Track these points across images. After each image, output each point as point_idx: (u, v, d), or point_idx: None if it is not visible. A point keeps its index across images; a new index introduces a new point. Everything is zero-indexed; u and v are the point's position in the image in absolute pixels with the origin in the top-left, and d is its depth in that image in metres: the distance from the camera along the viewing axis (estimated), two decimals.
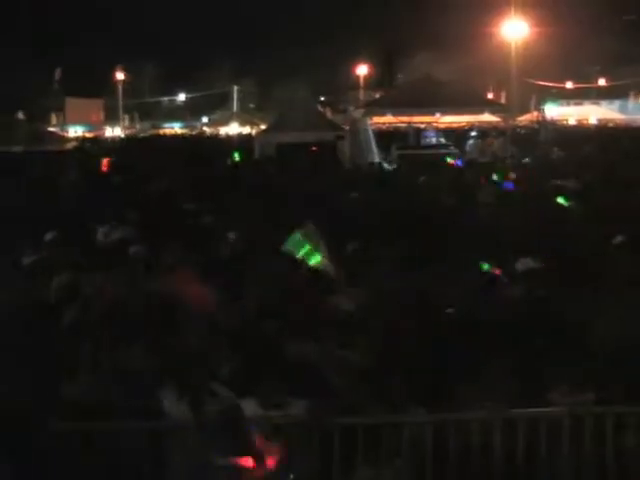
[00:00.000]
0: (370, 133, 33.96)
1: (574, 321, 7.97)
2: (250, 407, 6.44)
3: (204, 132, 75.16)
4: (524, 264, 10.34)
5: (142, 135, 69.51)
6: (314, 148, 29.79)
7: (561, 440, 6.86)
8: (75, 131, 73.47)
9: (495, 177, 21.09)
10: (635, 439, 6.77)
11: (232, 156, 30.57)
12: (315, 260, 9.96)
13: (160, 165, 24.68)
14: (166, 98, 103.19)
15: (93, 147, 43.73)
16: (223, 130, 73.36)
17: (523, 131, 46.71)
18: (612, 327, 7.69)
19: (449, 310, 8.64)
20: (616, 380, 7.16)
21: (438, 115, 38.37)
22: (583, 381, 7.08)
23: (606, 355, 7.35)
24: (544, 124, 44.80)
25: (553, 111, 54.26)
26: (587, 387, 7.04)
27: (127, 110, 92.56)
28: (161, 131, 79.17)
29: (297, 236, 10.38)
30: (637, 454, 6.84)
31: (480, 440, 6.85)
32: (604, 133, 48.09)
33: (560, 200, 15.90)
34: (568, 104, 78.82)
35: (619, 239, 11.91)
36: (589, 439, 6.81)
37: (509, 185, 19.59)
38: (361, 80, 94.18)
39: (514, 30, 66.43)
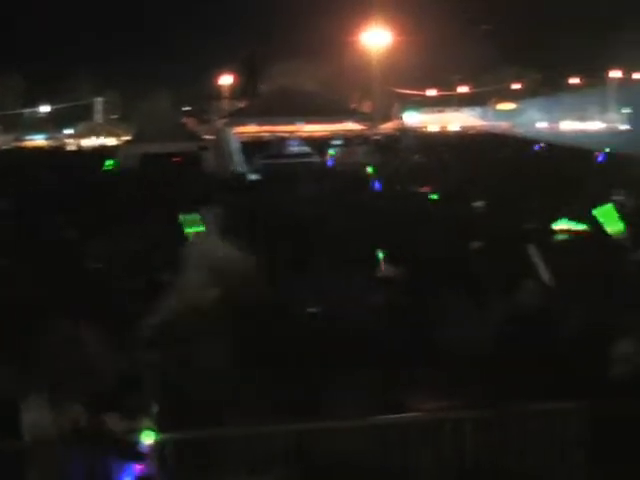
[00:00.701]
0: (234, 143, 33.85)
1: (433, 326, 8.00)
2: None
3: (66, 144, 73.83)
4: (387, 270, 10.36)
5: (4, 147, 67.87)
6: (177, 159, 29.56)
7: (424, 446, 6.84)
8: None
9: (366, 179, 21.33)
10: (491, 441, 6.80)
11: (104, 165, 30.07)
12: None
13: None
14: (29, 110, 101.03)
15: None
16: (87, 141, 72.27)
17: (386, 138, 47.44)
18: (470, 331, 7.76)
19: (311, 310, 8.54)
20: (474, 384, 7.18)
21: (301, 124, 38.56)
22: (444, 386, 7.09)
23: (463, 360, 7.38)
24: (404, 131, 45.84)
25: (414, 118, 55.31)
26: (448, 392, 7.04)
27: None
28: (24, 143, 77.47)
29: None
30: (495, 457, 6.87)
31: (347, 449, 6.78)
32: (465, 139, 49.19)
33: (422, 205, 16.09)
34: (433, 111, 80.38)
35: (477, 244, 12.06)
36: (448, 444, 6.80)
37: (378, 185, 19.85)
38: (225, 90, 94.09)
39: (376, 39, 67.40)
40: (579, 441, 6.85)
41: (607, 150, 27.19)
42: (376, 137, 45.73)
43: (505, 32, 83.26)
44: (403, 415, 6.92)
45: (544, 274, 9.74)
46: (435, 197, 16.76)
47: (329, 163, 28.45)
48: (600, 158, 26.29)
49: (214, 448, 6.60)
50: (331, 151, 36.92)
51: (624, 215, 11.53)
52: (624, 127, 59.01)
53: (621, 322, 8.26)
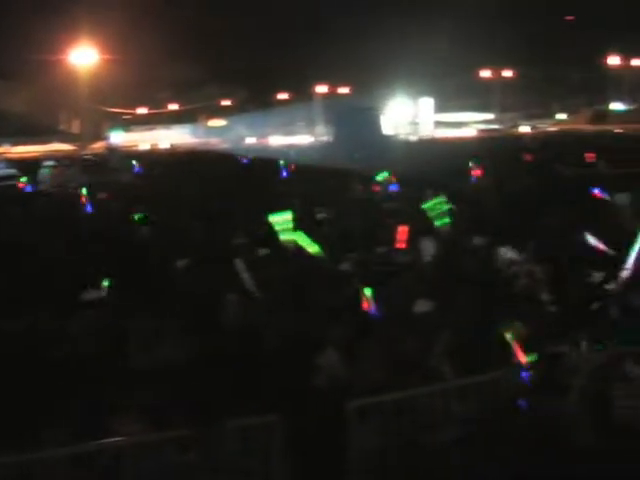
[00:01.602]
0: None
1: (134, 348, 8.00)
2: None
3: None
4: (91, 293, 10.27)
5: None
6: None
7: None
8: None
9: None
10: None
11: None
12: None
13: None
14: None
15: None
16: None
17: (95, 158, 46.80)
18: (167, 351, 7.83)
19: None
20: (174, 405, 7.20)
21: (8, 146, 37.29)
22: (147, 408, 7.08)
23: (161, 381, 7.41)
24: (113, 151, 45.77)
25: (123, 137, 54.92)
26: (151, 414, 7.04)
27: None
28: None
29: None
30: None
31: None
32: (174, 156, 49.46)
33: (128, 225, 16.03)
34: (143, 130, 79.87)
35: (184, 262, 12.15)
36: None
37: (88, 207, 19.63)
38: None
39: (83, 58, 66.11)
40: (283, 453, 7.02)
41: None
42: (86, 157, 45.18)
43: (209, 49, 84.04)
44: (113, 440, 6.88)
45: (251, 287, 9.96)
46: (140, 216, 16.66)
47: (27, 189, 27.77)
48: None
49: None
50: (42, 172, 35.96)
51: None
52: (328, 140, 61.11)
53: (322, 333, 8.58)
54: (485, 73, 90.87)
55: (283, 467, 7.00)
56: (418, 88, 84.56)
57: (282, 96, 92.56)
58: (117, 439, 6.86)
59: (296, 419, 6.98)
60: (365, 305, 9.15)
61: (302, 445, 7.03)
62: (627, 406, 7.16)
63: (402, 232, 12.12)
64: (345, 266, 11.49)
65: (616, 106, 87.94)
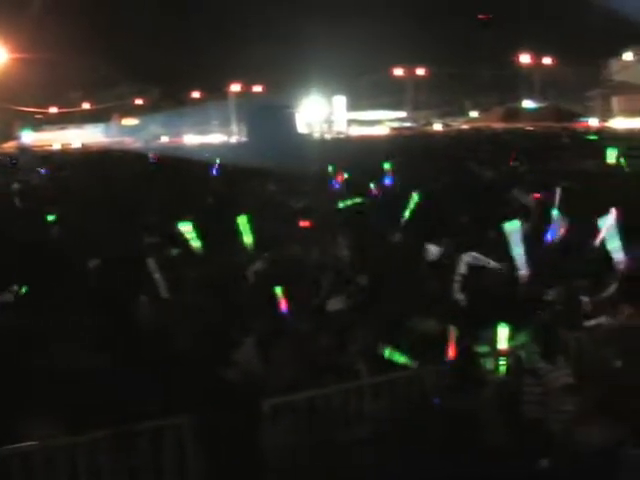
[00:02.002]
0: None
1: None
2: None
3: None
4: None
5: None
6: None
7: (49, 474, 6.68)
8: None
9: None
10: None
11: None
12: None
13: None
14: None
15: None
16: None
17: (4, 158, 46.16)
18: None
19: None
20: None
21: None
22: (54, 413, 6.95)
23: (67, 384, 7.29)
24: (23, 150, 45.45)
25: (31, 137, 54.17)
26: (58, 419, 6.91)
27: None
28: None
29: None
30: None
31: None
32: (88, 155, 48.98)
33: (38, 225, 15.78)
34: (54, 129, 78.90)
35: (95, 262, 12.00)
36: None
37: None
38: None
39: None
40: (197, 454, 6.95)
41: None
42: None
43: (122, 48, 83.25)
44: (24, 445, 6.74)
45: (162, 288, 9.84)
46: (52, 217, 16.39)
47: None
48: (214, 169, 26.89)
49: None
50: None
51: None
52: (242, 139, 60.95)
53: (236, 332, 8.53)
54: (398, 71, 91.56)
55: (197, 467, 6.94)
56: (332, 87, 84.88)
57: (196, 95, 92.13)
58: (27, 444, 6.73)
59: (209, 419, 6.92)
60: (279, 304, 9.11)
61: (216, 445, 6.98)
62: (535, 401, 7.23)
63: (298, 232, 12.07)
64: (258, 265, 11.44)
65: (527, 104, 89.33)
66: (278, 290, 9.09)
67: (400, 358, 7.89)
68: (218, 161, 27.75)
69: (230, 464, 6.89)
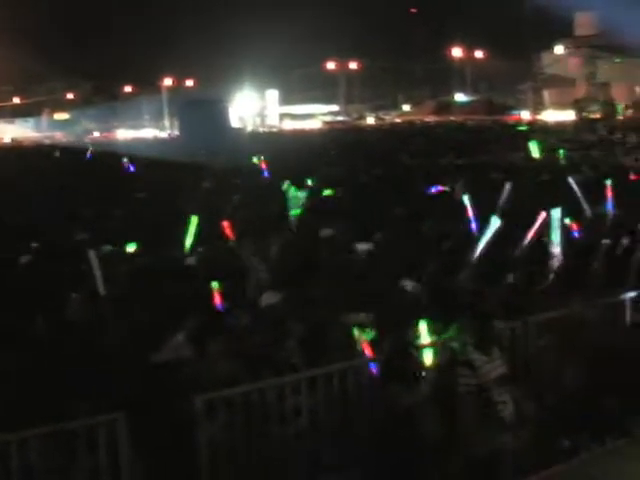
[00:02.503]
0: None
1: None
2: None
3: None
4: None
5: None
6: None
7: None
8: None
9: None
10: None
11: None
12: None
13: None
14: None
15: None
16: None
17: None
18: None
19: None
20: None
21: None
22: None
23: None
24: None
25: None
26: None
27: None
28: None
29: None
30: None
31: None
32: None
33: None
34: None
35: (26, 258, 11.88)
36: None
37: None
38: None
39: None
40: (131, 451, 6.86)
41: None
42: None
43: (53, 42, 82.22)
44: None
45: (100, 284, 9.70)
46: None
47: None
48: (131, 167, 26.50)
49: None
50: None
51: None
52: (175, 133, 60.68)
53: (170, 327, 8.46)
54: (331, 65, 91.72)
55: (132, 465, 6.86)
56: (264, 81, 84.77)
57: (128, 89, 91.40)
58: None
59: (143, 415, 6.85)
60: (213, 299, 9.07)
61: (150, 441, 6.91)
62: (470, 392, 7.27)
63: (226, 227, 11.95)
64: (191, 260, 11.38)
65: (459, 97, 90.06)
66: (213, 285, 9.06)
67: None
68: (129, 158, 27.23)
69: (165, 461, 6.83)
